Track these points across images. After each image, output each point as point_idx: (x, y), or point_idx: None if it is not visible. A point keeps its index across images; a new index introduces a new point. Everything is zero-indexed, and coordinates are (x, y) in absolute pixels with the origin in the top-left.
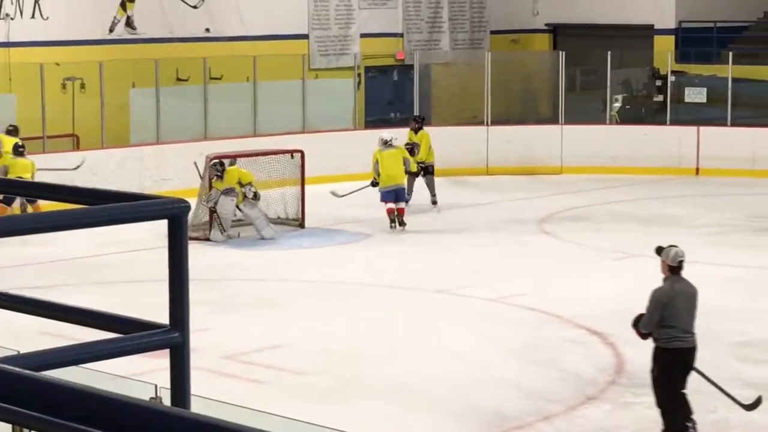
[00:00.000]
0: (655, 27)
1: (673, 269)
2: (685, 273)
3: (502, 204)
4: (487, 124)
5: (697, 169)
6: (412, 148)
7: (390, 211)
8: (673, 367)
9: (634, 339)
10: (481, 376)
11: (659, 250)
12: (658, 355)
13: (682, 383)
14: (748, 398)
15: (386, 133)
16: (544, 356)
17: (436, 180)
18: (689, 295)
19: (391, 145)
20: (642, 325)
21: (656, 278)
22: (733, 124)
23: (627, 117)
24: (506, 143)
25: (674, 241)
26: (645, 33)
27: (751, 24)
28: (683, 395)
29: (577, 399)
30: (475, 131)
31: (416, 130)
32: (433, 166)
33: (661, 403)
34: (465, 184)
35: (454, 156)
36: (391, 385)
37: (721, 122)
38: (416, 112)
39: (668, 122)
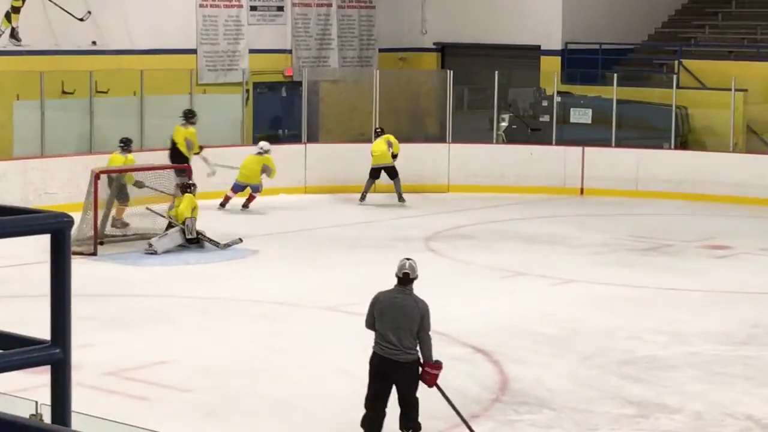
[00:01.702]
0: (542, 48)
1: (399, 279)
2: (569, 291)
3: (390, 222)
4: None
5: (582, 189)
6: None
7: (228, 198)
8: (372, 368)
9: (519, 357)
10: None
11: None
12: (370, 358)
13: (377, 390)
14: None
15: (265, 144)
16: None
17: (325, 196)
18: (400, 308)
19: (261, 153)
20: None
21: (542, 296)
22: (617, 145)
23: (513, 136)
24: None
25: (559, 259)
26: (532, 53)
27: (635, 46)
28: (372, 405)
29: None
30: (363, 148)
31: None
32: (392, 168)
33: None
34: (353, 201)
35: (342, 173)
36: (276, 402)
37: (605, 143)
38: (304, 129)
39: (554, 142)
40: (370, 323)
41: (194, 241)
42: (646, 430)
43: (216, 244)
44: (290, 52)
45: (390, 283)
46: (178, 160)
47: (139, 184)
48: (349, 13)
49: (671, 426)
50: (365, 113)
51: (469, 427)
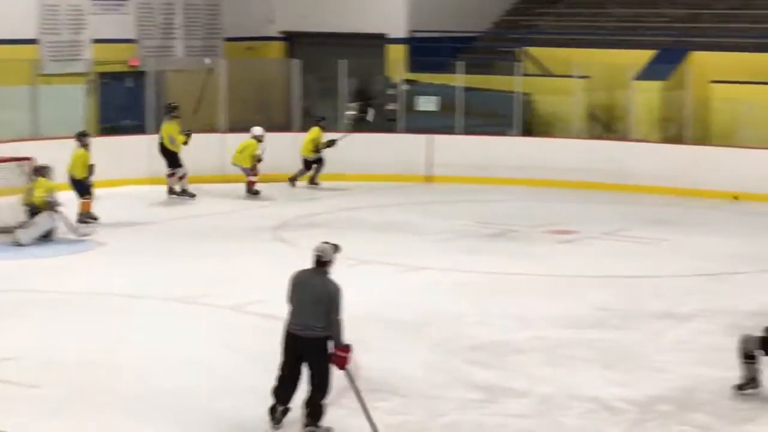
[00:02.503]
0: (388, 36)
1: (315, 262)
2: (417, 278)
3: (240, 212)
4: (224, 132)
5: (430, 176)
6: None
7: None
8: (284, 343)
9: (370, 345)
10: (224, 385)
11: None
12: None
13: (285, 365)
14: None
15: (256, 129)
16: None
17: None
18: (309, 287)
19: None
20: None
21: (391, 283)
22: (464, 132)
23: (360, 124)
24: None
25: (407, 247)
26: (377, 42)
27: (480, 34)
28: (283, 378)
29: None
30: (212, 138)
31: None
32: (307, 160)
33: None
34: (202, 192)
35: (191, 164)
36: (127, 396)
37: (452, 130)
38: (150, 119)
39: (401, 130)
40: (288, 299)
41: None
42: (495, 414)
43: (74, 229)
44: (135, 41)
45: (242, 274)
46: (166, 155)
47: None
48: (195, 1)
49: (519, 409)
50: (212, 103)
51: (369, 418)
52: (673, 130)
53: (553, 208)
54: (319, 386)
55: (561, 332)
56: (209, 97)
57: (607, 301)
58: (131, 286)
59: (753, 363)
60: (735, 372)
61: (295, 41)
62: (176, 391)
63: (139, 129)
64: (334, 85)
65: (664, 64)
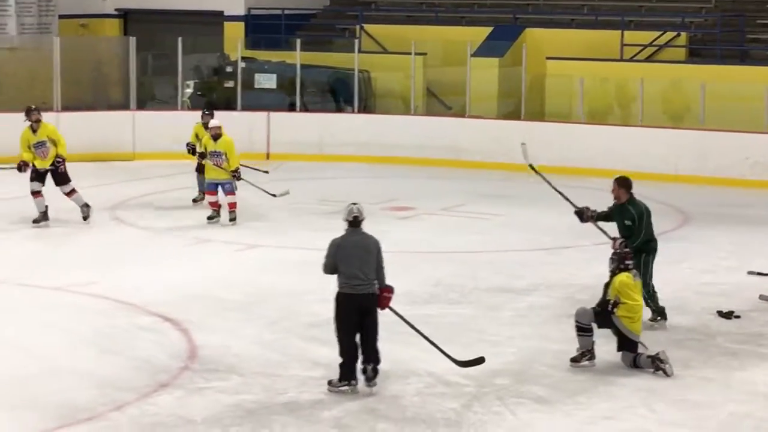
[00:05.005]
0: (225, 13)
1: (350, 223)
2: (255, 256)
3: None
4: (57, 111)
5: (268, 154)
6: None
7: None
8: (344, 309)
9: (207, 324)
10: (48, 368)
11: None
12: (336, 298)
13: (352, 328)
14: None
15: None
16: (116, 345)
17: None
18: (362, 246)
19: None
20: (323, 269)
21: (228, 262)
22: (301, 110)
23: (198, 103)
24: (76, 130)
25: (245, 225)
26: (215, 19)
27: (317, 11)
28: (350, 341)
29: (150, 386)
30: (45, 117)
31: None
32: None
33: (338, 341)
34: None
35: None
36: None
37: (290, 108)
38: None
39: (239, 108)
40: (332, 268)
41: None
42: (334, 391)
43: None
44: None
45: (72, 252)
46: None
47: None
48: None
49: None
50: (46, 82)
51: (440, 350)
52: (510, 107)
53: (392, 184)
54: (376, 335)
55: (399, 308)
56: (43, 75)
57: (445, 276)
58: None
59: (588, 335)
60: (571, 345)
61: (130, 18)
62: (1, 377)
63: None
64: (171, 62)
65: (501, 40)
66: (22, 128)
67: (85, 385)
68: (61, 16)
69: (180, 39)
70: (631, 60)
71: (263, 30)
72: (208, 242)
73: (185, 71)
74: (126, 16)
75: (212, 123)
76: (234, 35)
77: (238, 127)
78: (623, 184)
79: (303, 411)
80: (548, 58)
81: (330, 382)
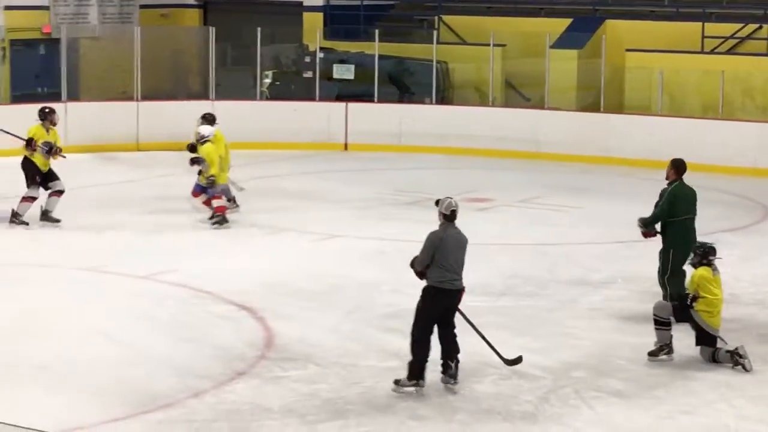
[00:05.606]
0: (304, 4)
1: (446, 217)
2: (332, 247)
3: (154, 180)
4: (138, 100)
5: (346, 145)
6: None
7: None
8: (436, 303)
9: (284, 313)
10: (130, 355)
11: (437, 202)
12: (428, 292)
13: (432, 324)
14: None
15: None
16: (194, 333)
17: (86, 156)
18: (461, 242)
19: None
20: (417, 263)
21: (306, 252)
22: (379, 101)
23: (277, 93)
24: (155, 119)
25: (323, 215)
26: (294, 10)
27: (396, 2)
28: (426, 339)
29: (227, 375)
30: (125, 107)
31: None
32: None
33: (414, 336)
34: (116, 161)
35: (105, 132)
36: (36, 367)
37: (368, 98)
38: (64, 87)
39: (317, 98)
40: (428, 262)
41: None
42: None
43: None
44: (48, 8)
45: (152, 241)
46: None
47: None
48: None
49: (432, 377)
50: (127, 71)
51: (491, 345)
52: (589, 99)
53: (470, 175)
54: (454, 330)
55: (475, 299)
56: (123, 65)
57: (522, 268)
58: (40, 256)
59: (666, 329)
60: (649, 338)
61: (209, 9)
62: (86, 361)
63: (56, 97)
64: (249, 53)
65: (580, 32)
66: (33, 125)
67: (163, 372)
68: (142, 6)
69: (259, 29)
70: (711, 52)
71: (342, 21)
72: (287, 232)
73: (264, 62)
74: (206, 6)
75: (199, 129)
76: (313, 26)
77: (317, 117)
78: (673, 164)
79: (379, 401)
80: (628, 50)
81: (397, 382)
